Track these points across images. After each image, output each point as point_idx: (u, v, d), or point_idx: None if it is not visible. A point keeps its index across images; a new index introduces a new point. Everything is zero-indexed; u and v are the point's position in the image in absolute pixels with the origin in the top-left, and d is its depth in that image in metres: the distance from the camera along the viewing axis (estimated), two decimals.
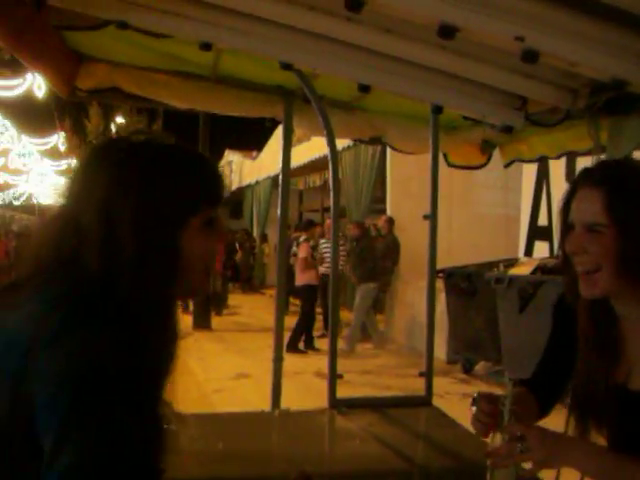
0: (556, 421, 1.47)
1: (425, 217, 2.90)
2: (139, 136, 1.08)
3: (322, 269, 9.39)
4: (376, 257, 9.30)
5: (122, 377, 0.93)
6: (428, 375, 2.89)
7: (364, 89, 2.53)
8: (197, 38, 2.35)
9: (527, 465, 1.30)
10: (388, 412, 2.57)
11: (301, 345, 9.20)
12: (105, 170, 1.03)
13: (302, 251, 9.66)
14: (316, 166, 13.10)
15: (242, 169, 20.86)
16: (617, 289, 1.32)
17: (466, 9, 1.69)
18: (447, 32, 1.73)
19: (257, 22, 2.18)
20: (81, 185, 1.05)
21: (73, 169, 1.13)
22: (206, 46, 2.37)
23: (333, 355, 2.82)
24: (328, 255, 9.33)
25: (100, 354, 0.91)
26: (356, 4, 1.67)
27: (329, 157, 2.87)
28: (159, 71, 3.06)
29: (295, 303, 14.22)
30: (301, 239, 10.04)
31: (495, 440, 1.35)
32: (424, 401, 2.82)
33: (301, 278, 9.65)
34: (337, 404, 2.72)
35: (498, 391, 1.48)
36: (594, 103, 2.36)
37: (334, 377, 2.78)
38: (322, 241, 9.63)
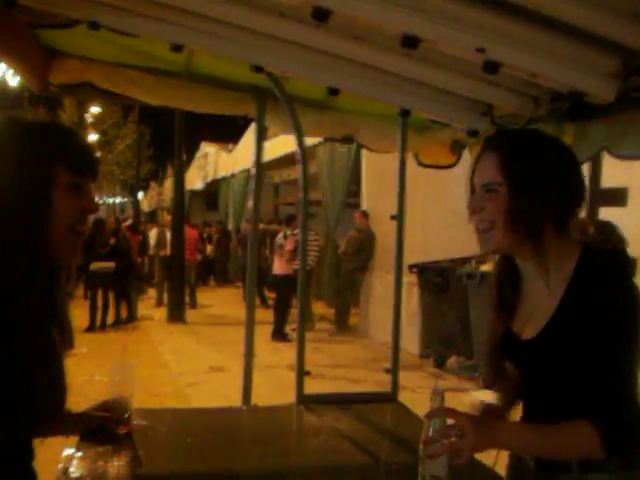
0: None
1: (392, 217, 2.95)
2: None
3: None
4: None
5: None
6: (394, 372, 2.95)
7: (333, 92, 2.58)
8: (168, 40, 2.38)
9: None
10: (354, 408, 2.63)
11: (288, 331, 9.50)
12: None
13: (290, 243, 9.81)
14: (292, 159, 13.08)
15: (218, 161, 20.74)
16: (510, 245, 1.45)
17: (428, 21, 1.74)
18: (410, 42, 1.79)
19: (228, 26, 2.21)
20: None
21: None
22: (177, 48, 2.40)
23: (301, 352, 2.88)
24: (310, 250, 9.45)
25: None
26: (321, 14, 1.72)
27: (299, 157, 2.91)
28: (131, 67, 3.07)
29: (272, 297, 14.22)
30: (288, 233, 10.12)
31: (427, 430, 1.41)
32: (389, 397, 2.89)
33: (286, 268, 9.85)
34: (304, 400, 2.78)
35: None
36: (557, 109, 2.44)
37: (302, 373, 2.84)
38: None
